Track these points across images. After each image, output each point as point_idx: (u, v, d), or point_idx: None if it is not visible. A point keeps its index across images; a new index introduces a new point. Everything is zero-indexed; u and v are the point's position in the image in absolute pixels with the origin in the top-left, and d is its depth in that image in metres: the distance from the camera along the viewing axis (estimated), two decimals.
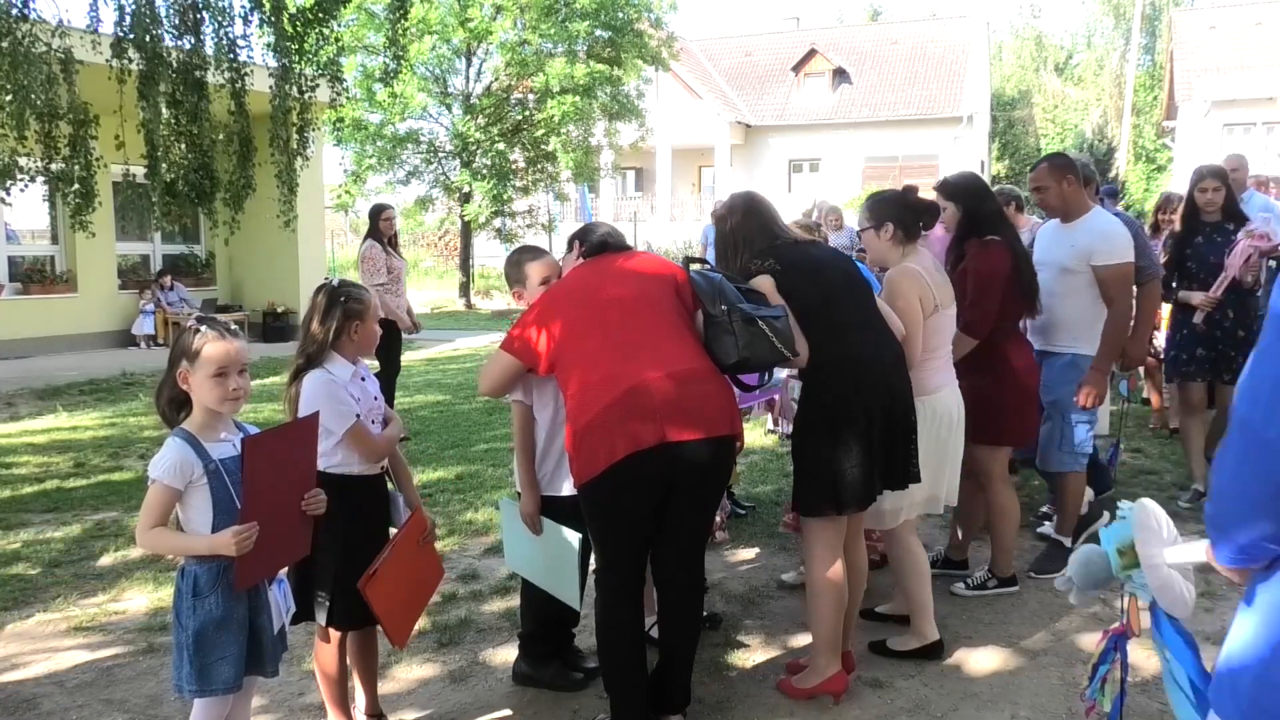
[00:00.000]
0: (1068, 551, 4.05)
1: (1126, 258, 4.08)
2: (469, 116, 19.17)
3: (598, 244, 3.11)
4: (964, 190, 4.03)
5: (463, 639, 3.73)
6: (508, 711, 3.21)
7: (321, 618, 2.80)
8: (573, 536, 2.99)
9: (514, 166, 19.69)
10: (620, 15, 18.75)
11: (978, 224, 3.94)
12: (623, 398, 2.67)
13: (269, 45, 8.16)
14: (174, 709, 3.18)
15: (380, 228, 7.29)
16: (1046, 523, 4.77)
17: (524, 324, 2.95)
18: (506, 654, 3.54)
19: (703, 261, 3.21)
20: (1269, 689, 1.32)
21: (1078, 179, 4.20)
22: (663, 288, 2.94)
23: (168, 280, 13.97)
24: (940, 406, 3.44)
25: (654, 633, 3.09)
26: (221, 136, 8.30)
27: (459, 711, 3.21)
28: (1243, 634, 1.38)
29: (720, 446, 2.76)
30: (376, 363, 6.97)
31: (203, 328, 2.37)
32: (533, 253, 3.33)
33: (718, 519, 4.64)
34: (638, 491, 2.72)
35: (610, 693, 2.90)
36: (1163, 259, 5.49)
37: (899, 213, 3.43)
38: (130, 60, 7.38)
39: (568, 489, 3.20)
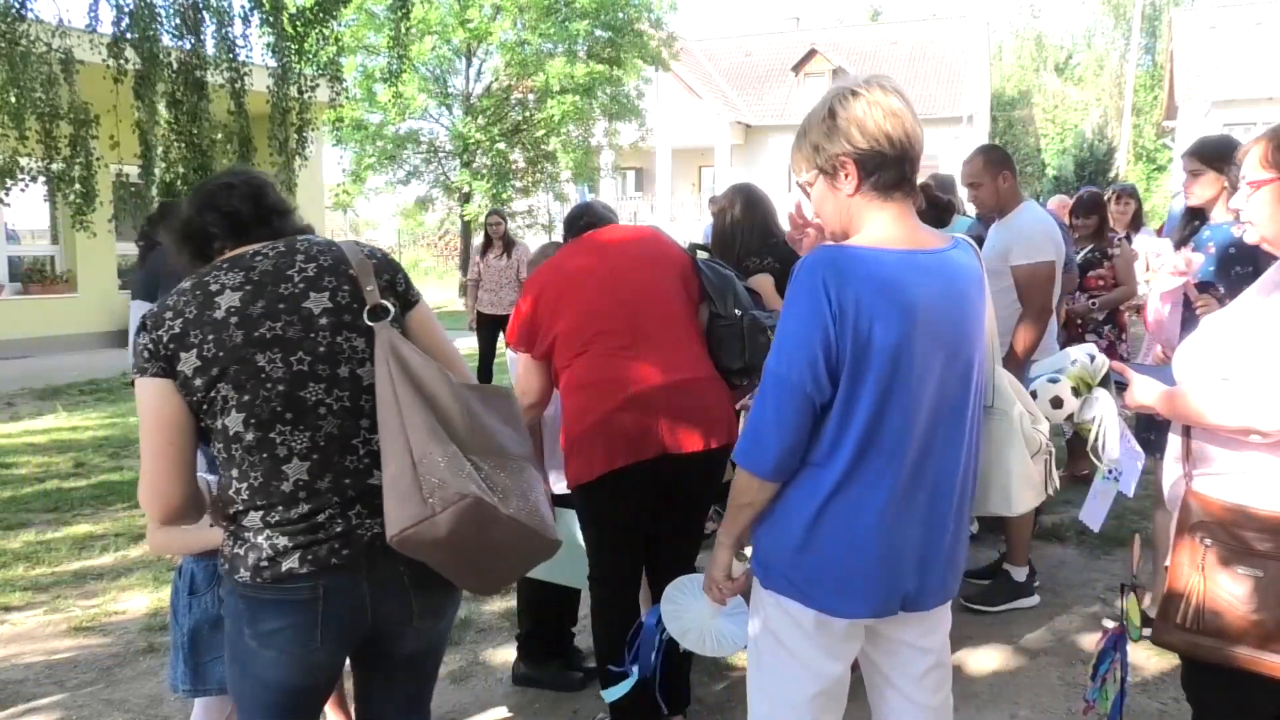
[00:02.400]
0: (1017, 585, 3.91)
1: (1042, 256, 3.74)
2: (469, 117, 19.17)
3: (586, 221, 2.97)
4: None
5: (463, 639, 3.73)
6: (508, 711, 3.21)
7: None
8: (575, 521, 2.98)
9: (514, 167, 19.71)
10: (620, 15, 18.76)
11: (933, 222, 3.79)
12: (625, 404, 2.63)
13: (269, 45, 8.17)
14: (174, 709, 3.18)
15: (485, 231, 8.74)
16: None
17: (525, 312, 2.85)
18: (506, 654, 3.54)
19: (706, 250, 3.15)
20: (789, 562, 1.79)
21: (1013, 174, 3.94)
22: (672, 279, 2.83)
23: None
24: None
25: None
26: (220, 136, 8.31)
27: (459, 711, 3.21)
28: (775, 521, 1.81)
29: (717, 453, 2.74)
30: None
31: None
32: None
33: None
34: (632, 500, 2.71)
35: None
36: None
37: (922, 209, 3.38)
38: (128, 60, 7.38)
39: (561, 487, 3.21)
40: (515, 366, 3.23)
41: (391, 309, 1.77)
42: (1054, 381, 2.09)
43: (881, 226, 1.78)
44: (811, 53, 32.37)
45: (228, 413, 1.69)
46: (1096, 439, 2.12)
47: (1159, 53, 37.35)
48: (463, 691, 3.34)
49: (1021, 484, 1.95)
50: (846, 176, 1.78)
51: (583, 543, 2.98)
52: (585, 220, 2.99)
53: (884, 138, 1.74)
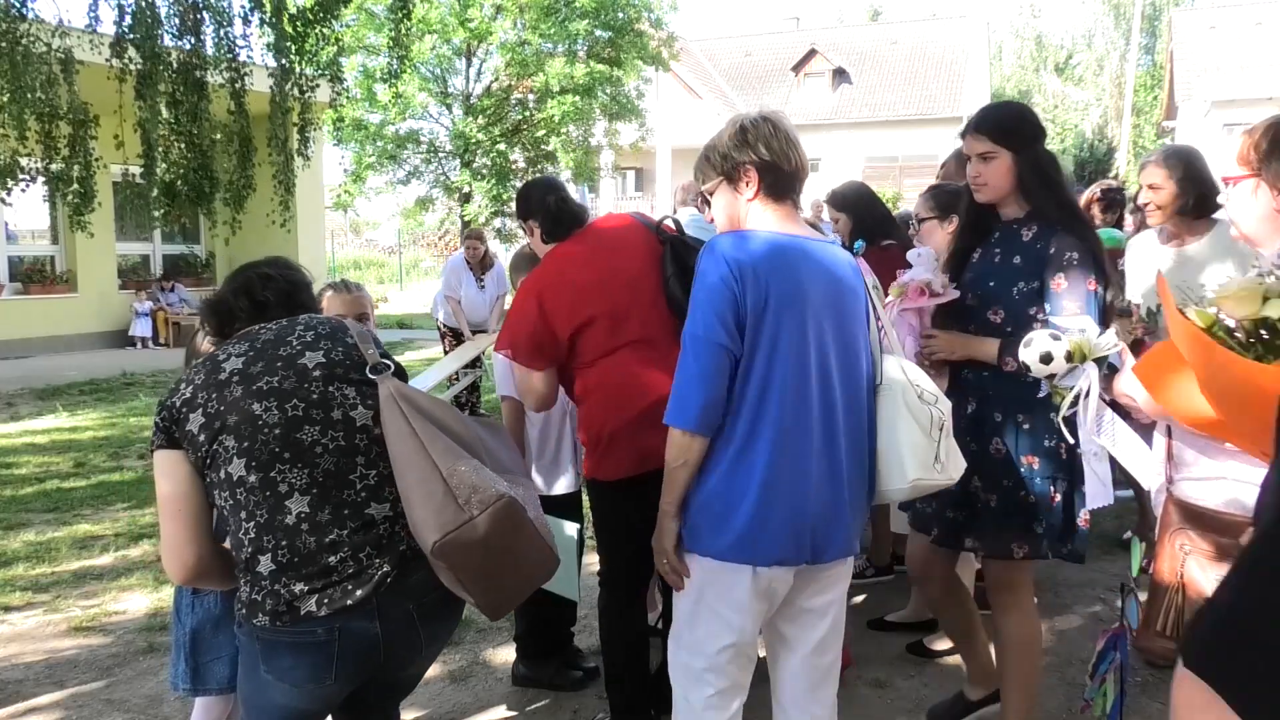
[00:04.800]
0: None
1: None
2: (469, 116, 19.16)
3: (569, 214, 2.83)
4: (853, 199, 4.00)
5: (463, 639, 3.73)
6: (508, 711, 3.21)
7: None
8: (570, 528, 2.98)
9: (514, 166, 19.68)
10: (620, 15, 18.74)
11: (870, 230, 3.76)
12: (645, 412, 2.58)
13: (269, 45, 8.16)
14: (174, 709, 3.18)
15: None
16: None
17: (530, 326, 2.71)
18: (506, 654, 3.54)
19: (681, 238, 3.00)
20: (708, 517, 2.02)
21: None
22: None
23: (168, 284, 13.99)
24: None
25: (659, 625, 3.10)
26: (221, 136, 8.30)
27: (459, 711, 3.21)
28: (705, 479, 2.03)
29: None
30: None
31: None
32: None
33: None
34: (644, 506, 2.71)
35: (611, 693, 2.90)
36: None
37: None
38: (130, 60, 7.38)
39: (559, 487, 3.20)
40: (500, 366, 3.19)
41: (392, 365, 1.97)
42: (1055, 339, 2.10)
43: (772, 221, 2.10)
44: (811, 53, 32.35)
45: (229, 460, 1.82)
46: (1069, 408, 2.12)
47: (1159, 53, 37.33)
48: (463, 691, 3.34)
49: (909, 454, 2.08)
50: (747, 183, 2.10)
51: (571, 550, 2.98)
52: (568, 219, 2.82)
53: (783, 156, 2.09)
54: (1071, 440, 2.32)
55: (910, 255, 2.78)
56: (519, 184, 19.81)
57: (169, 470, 1.86)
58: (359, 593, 1.81)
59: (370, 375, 1.93)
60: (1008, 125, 2.56)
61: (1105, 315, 2.38)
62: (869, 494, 2.16)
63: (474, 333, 7.59)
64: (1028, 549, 2.50)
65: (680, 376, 2.02)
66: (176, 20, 7.66)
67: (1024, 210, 2.57)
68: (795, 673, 2.20)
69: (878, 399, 2.13)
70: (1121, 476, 2.54)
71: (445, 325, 7.91)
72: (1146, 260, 3.44)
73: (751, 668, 2.18)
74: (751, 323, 1.97)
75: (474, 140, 19.02)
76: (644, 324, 2.66)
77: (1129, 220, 5.16)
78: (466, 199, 19.27)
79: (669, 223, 2.80)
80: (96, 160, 7.60)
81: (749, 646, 2.13)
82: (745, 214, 2.12)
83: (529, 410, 3.04)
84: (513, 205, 17.85)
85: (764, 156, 2.08)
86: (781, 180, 2.10)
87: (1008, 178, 2.54)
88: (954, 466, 2.14)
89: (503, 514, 1.75)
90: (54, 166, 7.38)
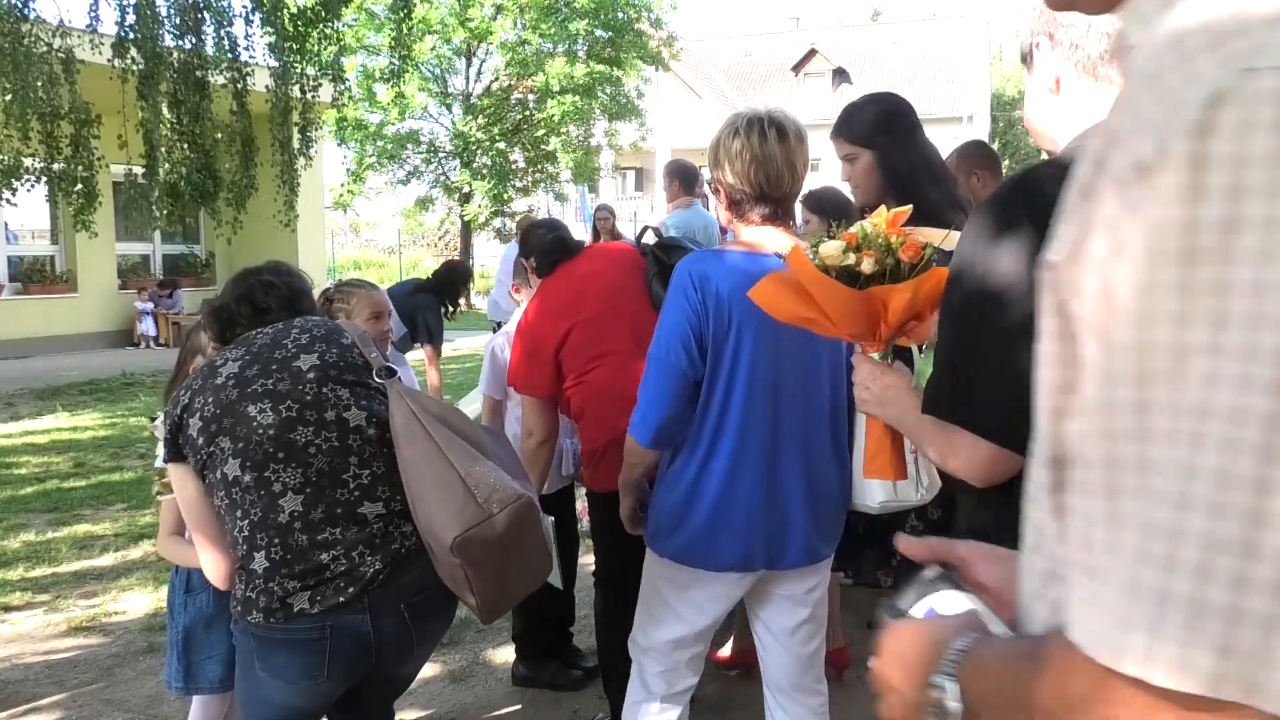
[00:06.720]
0: None
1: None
2: (469, 116, 19.18)
3: (562, 246, 2.90)
4: (827, 204, 3.96)
5: (463, 639, 3.73)
6: (508, 711, 3.22)
7: None
8: (545, 520, 2.97)
9: (514, 166, 19.71)
10: (620, 15, 18.76)
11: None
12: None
13: (270, 45, 8.17)
14: (174, 709, 3.18)
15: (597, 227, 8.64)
16: None
17: (528, 355, 2.77)
18: (506, 654, 3.54)
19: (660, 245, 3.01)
20: (667, 522, 2.13)
21: (990, 172, 3.62)
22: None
23: (166, 291, 13.94)
24: None
25: None
26: (222, 136, 8.30)
27: (459, 711, 3.21)
28: (657, 496, 2.18)
29: None
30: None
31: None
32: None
33: None
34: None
35: (610, 693, 2.91)
36: None
37: None
38: (132, 60, 7.38)
39: (545, 487, 3.21)
40: (485, 364, 3.25)
41: (395, 369, 2.03)
42: None
43: (751, 235, 2.09)
44: (811, 53, 32.39)
45: (225, 461, 1.87)
46: None
47: None
48: (463, 691, 3.34)
49: (879, 481, 2.07)
50: (721, 199, 2.12)
51: (551, 539, 2.97)
52: (560, 250, 2.87)
53: (745, 182, 2.03)
54: None
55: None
56: (519, 184, 19.88)
57: (182, 482, 1.94)
58: (351, 590, 1.84)
59: (375, 379, 1.98)
60: (862, 125, 2.49)
61: None
62: (844, 505, 2.20)
63: None
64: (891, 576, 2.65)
65: (642, 392, 2.08)
66: (177, 20, 7.67)
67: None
68: (781, 661, 2.28)
69: (855, 418, 2.09)
70: None
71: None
72: None
73: (701, 657, 2.31)
74: (714, 346, 2.01)
75: (474, 140, 19.03)
76: (632, 330, 2.66)
77: None
78: (466, 199, 19.28)
79: (648, 235, 2.82)
80: (99, 160, 7.61)
81: (700, 641, 2.26)
82: (729, 219, 2.15)
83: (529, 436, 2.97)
84: (512, 205, 17.78)
85: (727, 180, 2.06)
86: (747, 204, 2.08)
87: (872, 178, 2.46)
88: (930, 489, 2.18)
89: (521, 513, 1.80)
90: (56, 166, 7.39)
